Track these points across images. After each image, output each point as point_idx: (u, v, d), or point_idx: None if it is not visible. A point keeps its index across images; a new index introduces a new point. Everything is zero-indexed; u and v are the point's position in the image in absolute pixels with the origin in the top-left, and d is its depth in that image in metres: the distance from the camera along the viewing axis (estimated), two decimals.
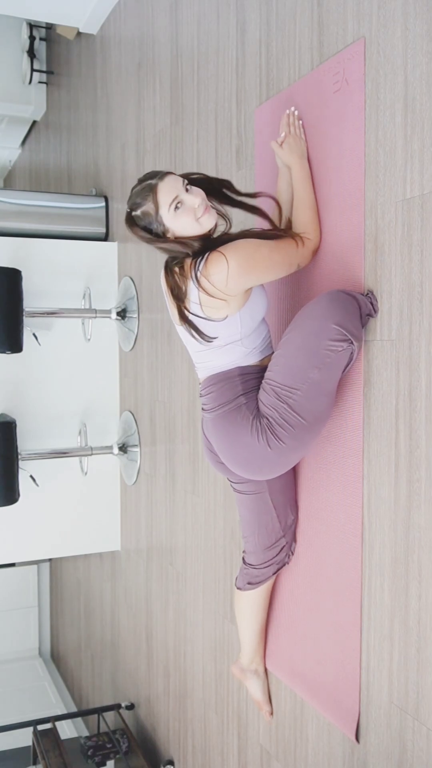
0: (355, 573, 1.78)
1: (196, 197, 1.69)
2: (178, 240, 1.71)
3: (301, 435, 1.73)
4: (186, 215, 1.69)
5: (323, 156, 1.84)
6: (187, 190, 1.69)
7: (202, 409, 1.91)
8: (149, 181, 1.69)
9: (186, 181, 1.71)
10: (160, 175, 1.70)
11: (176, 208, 1.68)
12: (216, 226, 1.76)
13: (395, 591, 1.64)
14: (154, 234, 1.72)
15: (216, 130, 2.50)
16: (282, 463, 1.79)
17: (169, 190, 1.68)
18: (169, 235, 1.72)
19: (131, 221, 1.74)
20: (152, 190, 1.68)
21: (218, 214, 1.79)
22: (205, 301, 1.70)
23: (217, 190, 1.82)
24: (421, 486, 1.55)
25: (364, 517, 1.75)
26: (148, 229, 1.72)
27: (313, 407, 1.71)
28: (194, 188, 1.71)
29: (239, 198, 1.85)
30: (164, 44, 2.96)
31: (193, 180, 1.78)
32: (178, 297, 1.75)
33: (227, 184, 1.84)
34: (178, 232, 1.71)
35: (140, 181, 1.73)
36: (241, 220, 2.14)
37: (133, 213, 1.73)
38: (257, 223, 2.18)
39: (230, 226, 1.82)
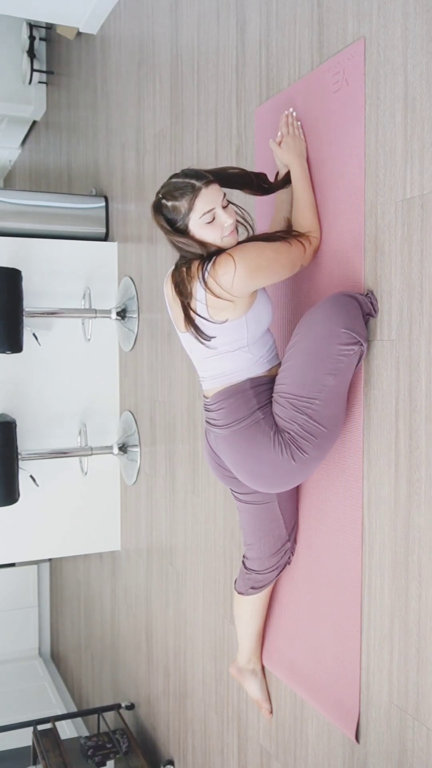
0: (355, 573, 1.78)
1: (230, 217, 1.69)
2: (197, 240, 1.70)
3: (324, 443, 1.73)
4: (213, 230, 1.68)
5: (323, 156, 1.84)
6: (224, 206, 1.69)
7: (210, 423, 1.87)
8: (194, 181, 1.66)
9: (225, 196, 1.71)
10: (206, 180, 1.67)
11: (207, 220, 1.67)
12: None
13: (395, 591, 1.64)
14: (175, 228, 1.71)
15: (216, 130, 2.50)
16: (304, 473, 1.78)
17: (209, 200, 1.66)
18: (189, 234, 1.71)
19: (158, 208, 1.72)
20: (194, 192, 1.66)
21: (245, 224, 1.81)
22: (211, 302, 1.70)
23: (257, 183, 1.85)
24: (421, 486, 1.55)
25: (364, 517, 1.75)
26: (171, 222, 1.71)
27: (331, 413, 1.71)
28: (230, 207, 1.72)
29: (274, 186, 1.90)
30: (164, 44, 2.96)
31: (232, 174, 1.79)
32: (183, 293, 1.74)
33: (264, 177, 1.87)
34: (197, 238, 1.70)
35: (185, 174, 1.69)
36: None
37: (164, 201, 1.70)
38: (258, 226, 2.18)
39: (252, 233, 1.83)
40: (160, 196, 1.71)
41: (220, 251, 1.71)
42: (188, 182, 1.67)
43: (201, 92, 2.62)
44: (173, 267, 1.82)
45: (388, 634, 1.67)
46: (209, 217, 1.67)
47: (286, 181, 1.90)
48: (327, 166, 1.83)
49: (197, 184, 1.66)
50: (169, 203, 1.69)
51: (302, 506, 2.01)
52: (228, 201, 1.72)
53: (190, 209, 1.67)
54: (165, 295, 1.88)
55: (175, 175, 1.71)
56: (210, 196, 1.67)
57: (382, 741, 1.72)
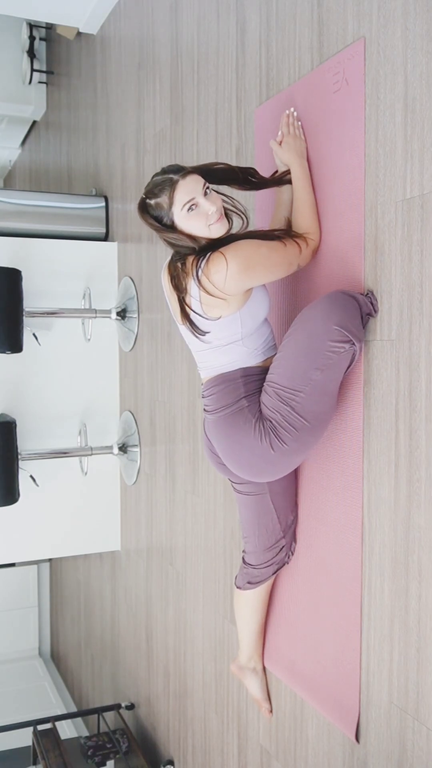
0: (355, 573, 1.78)
1: (212, 204, 1.69)
2: (186, 233, 1.71)
3: (304, 437, 1.73)
4: (197, 219, 1.69)
5: (323, 156, 1.84)
6: (206, 194, 1.70)
7: (204, 410, 1.91)
8: (171, 175, 1.69)
9: (207, 185, 1.71)
10: (183, 172, 1.69)
11: (189, 209, 1.68)
12: (230, 228, 1.76)
13: (395, 591, 1.64)
14: (163, 225, 1.73)
15: (216, 130, 2.50)
16: (285, 465, 1.79)
17: (187, 190, 1.68)
18: (177, 229, 1.72)
19: (143, 208, 1.75)
20: (171, 185, 1.68)
21: (237, 212, 1.81)
22: (205, 299, 1.71)
23: (242, 178, 1.84)
24: (421, 486, 1.55)
25: (364, 517, 1.75)
26: (158, 219, 1.73)
27: (315, 409, 1.71)
28: (213, 194, 1.72)
29: (265, 182, 1.88)
30: (164, 44, 2.96)
31: (218, 170, 1.79)
32: (179, 289, 1.75)
33: (252, 171, 1.86)
34: (186, 231, 1.71)
35: (163, 171, 1.72)
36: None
37: (147, 201, 1.73)
38: (257, 223, 2.18)
39: (247, 224, 1.83)
40: (144, 196, 1.74)
41: (214, 246, 1.71)
42: (167, 177, 1.69)
43: (201, 92, 2.62)
44: (169, 258, 1.83)
45: (388, 634, 1.67)
46: (190, 206, 1.68)
47: (279, 179, 1.90)
48: (327, 166, 1.83)
49: (174, 177, 1.68)
50: (152, 201, 1.72)
51: (302, 506, 2.01)
52: (211, 189, 1.72)
53: (171, 203, 1.69)
54: (163, 287, 1.89)
55: (156, 174, 1.74)
56: (188, 186, 1.68)
57: (382, 741, 1.72)
